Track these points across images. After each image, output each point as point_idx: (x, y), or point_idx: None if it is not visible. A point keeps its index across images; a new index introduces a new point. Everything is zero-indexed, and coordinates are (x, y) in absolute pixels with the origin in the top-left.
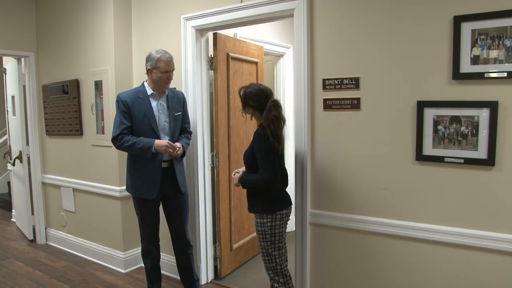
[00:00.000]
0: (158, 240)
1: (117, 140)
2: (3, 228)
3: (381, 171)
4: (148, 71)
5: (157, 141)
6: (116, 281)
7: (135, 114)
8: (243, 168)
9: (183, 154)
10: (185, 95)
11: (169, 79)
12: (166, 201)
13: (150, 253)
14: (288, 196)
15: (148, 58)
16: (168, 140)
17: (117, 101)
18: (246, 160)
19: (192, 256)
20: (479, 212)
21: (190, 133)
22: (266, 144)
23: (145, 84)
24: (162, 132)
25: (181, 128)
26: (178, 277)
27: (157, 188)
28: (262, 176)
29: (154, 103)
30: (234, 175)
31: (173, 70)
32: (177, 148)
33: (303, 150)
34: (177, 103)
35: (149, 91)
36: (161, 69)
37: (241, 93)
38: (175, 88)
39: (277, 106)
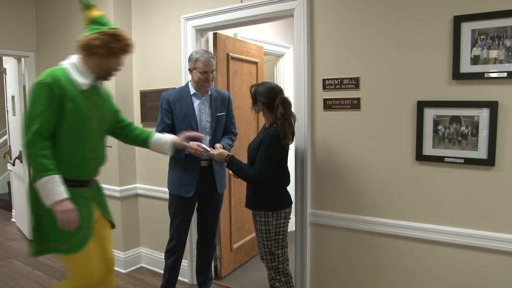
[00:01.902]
0: (185, 242)
1: None
2: (3, 228)
3: (381, 171)
4: (189, 71)
5: (191, 143)
6: (116, 281)
7: (176, 113)
8: (220, 145)
9: None
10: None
11: (208, 79)
12: (202, 200)
13: (175, 253)
14: (289, 194)
15: (189, 59)
16: (209, 140)
17: (161, 99)
18: (253, 157)
19: (213, 255)
20: (479, 212)
21: (235, 134)
22: (276, 147)
23: (189, 83)
24: (203, 132)
25: (226, 128)
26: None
27: (194, 186)
28: (255, 172)
29: (196, 103)
30: (214, 148)
31: (213, 70)
32: (201, 151)
33: (303, 150)
34: (221, 103)
35: (192, 90)
36: (199, 70)
37: (252, 90)
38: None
39: (284, 103)
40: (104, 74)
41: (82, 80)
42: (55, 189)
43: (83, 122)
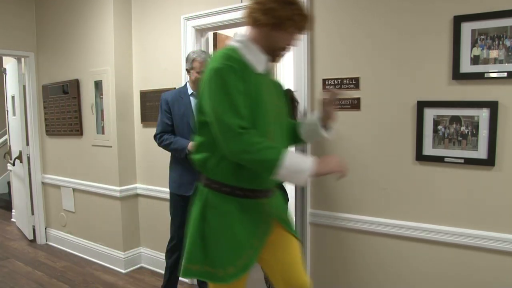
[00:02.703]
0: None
1: (157, 138)
2: (3, 228)
3: (381, 171)
4: (187, 72)
5: (190, 143)
6: (116, 281)
7: (175, 113)
8: None
9: None
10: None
11: None
12: None
13: (176, 252)
14: (286, 191)
15: (186, 59)
16: None
17: (160, 100)
18: None
19: None
20: (479, 212)
21: None
22: None
23: (187, 84)
24: None
25: None
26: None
27: (193, 185)
28: None
29: (194, 103)
30: None
31: None
32: None
33: (303, 150)
34: None
35: (190, 90)
36: (196, 69)
37: None
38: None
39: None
40: (270, 52)
41: (256, 60)
42: (300, 158)
43: (264, 115)
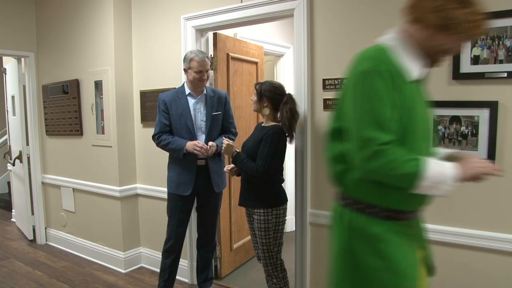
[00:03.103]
0: (183, 241)
1: (155, 138)
2: (3, 228)
3: None
4: (185, 71)
5: (188, 142)
6: (116, 281)
7: (172, 113)
8: (212, 143)
9: (220, 153)
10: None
11: (202, 78)
12: (199, 199)
13: (173, 252)
14: (285, 191)
15: (184, 59)
16: (204, 139)
17: (158, 100)
18: (250, 154)
19: (212, 255)
20: (479, 212)
21: (234, 133)
22: (279, 144)
23: (185, 84)
24: (199, 131)
25: (224, 128)
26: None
27: (191, 185)
28: (257, 167)
29: (191, 102)
30: (224, 142)
31: (208, 70)
32: (207, 148)
33: (303, 150)
34: (217, 102)
35: (187, 90)
36: (194, 69)
37: (257, 87)
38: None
39: (292, 100)
40: (428, 55)
41: (412, 65)
42: (441, 166)
43: (415, 131)
